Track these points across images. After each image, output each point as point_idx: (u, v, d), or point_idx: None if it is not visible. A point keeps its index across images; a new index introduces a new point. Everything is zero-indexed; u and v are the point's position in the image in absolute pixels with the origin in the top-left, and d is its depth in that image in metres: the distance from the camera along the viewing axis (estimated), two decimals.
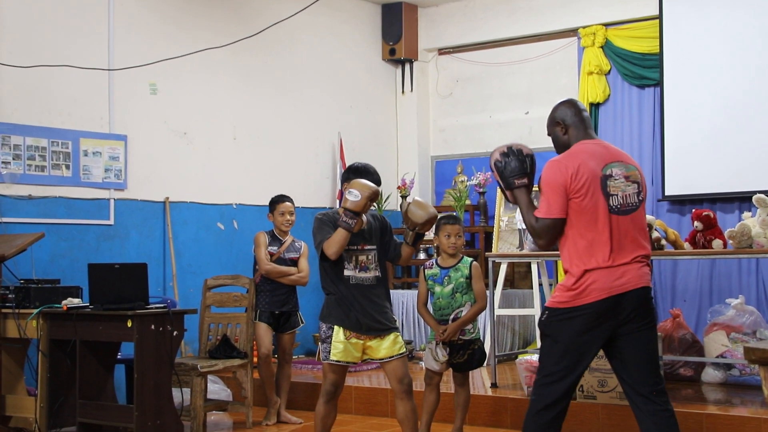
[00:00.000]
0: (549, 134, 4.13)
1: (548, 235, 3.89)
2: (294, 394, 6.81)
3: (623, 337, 3.86)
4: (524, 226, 4.49)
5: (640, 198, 3.94)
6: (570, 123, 4.03)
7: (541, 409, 3.86)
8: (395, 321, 4.90)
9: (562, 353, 3.84)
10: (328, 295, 4.82)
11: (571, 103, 4.10)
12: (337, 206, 8.77)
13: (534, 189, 4.04)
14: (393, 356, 4.76)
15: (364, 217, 4.84)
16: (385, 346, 4.75)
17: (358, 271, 4.77)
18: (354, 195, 4.64)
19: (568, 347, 3.83)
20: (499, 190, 4.09)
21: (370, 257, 4.80)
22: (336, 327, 4.74)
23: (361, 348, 4.77)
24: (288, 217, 6.50)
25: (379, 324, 4.76)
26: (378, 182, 4.86)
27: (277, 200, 6.55)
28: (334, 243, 4.65)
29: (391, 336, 4.78)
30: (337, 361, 4.73)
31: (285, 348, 6.49)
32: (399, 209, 9.26)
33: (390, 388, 6.49)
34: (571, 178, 3.83)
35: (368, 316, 4.73)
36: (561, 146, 4.05)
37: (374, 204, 4.89)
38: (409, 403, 4.77)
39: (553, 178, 3.87)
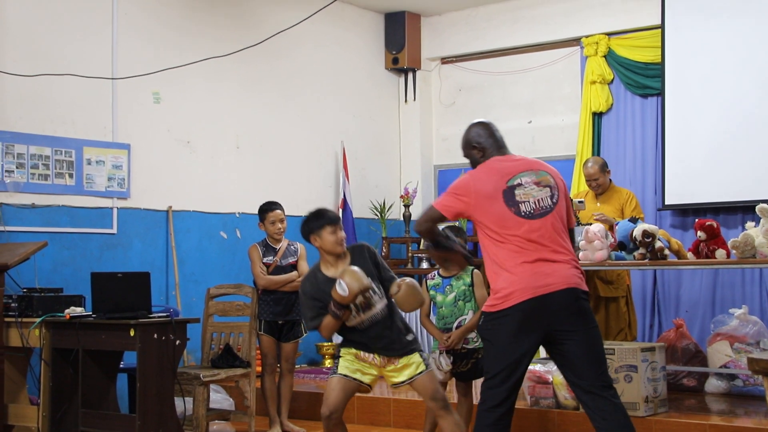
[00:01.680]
0: (465, 156, 4.30)
1: (427, 222, 4.19)
2: (296, 403, 6.80)
3: (561, 340, 3.99)
4: None
5: (554, 201, 4.10)
6: (486, 145, 4.23)
7: (486, 411, 4.01)
8: (414, 338, 4.77)
9: (500, 356, 4.00)
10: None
11: (483, 125, 4.29)
12: (340, 215, 8.79)
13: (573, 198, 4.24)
14: (414, 376, 4.64)
15: (347, 261, 4.67)
16: (406, 368, 4.65)
17: (363, 314, 4.61)
18: (342, 289, 4.42)
19: (505, 350, 3.99)
20: None
21: (368, 294, 4.59)
22: (343, 350, 4.68)
23: (375, 374, 4.68)
24: (279, 225, 6.40)
25: (396, 345, 4.65)
26: (336, 219, 4.74)
27: (266, 209, 6.44)
28: (327, 329, 4.57)
29: (406, 359, 4.65)
30: (343, 375, 4.60)
31: (288, 357, 6.44)
32: (402, 218, 9.26)
33: (393, 398, 6.50)
34: (470, 190, 4.07)
35: (387, 342, 4.65)
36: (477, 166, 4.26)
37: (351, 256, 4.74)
38: (451, 417, 4.60)
39: (457, 187, 4.13)
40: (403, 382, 4.69)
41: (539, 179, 4.10)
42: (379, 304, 4.64)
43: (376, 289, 4.64)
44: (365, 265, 4.63)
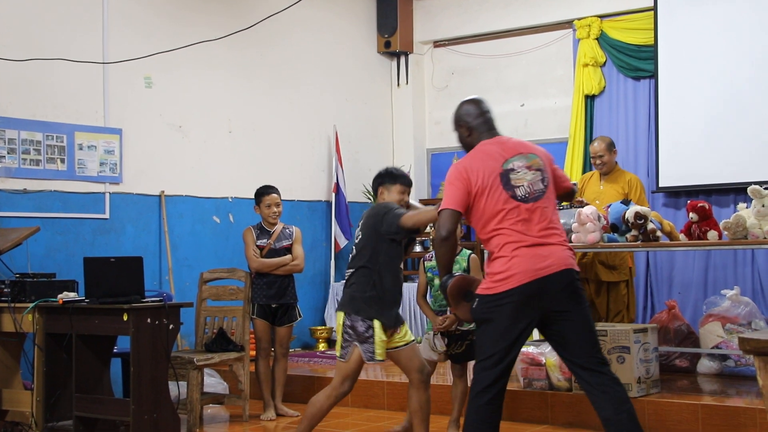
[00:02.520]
0: (454, 131, 4.30)
1: (448, 224, 4.04)
2: (290, 387, 6.82)
3: (557, 320, 4.02)
4: None
5: (545, 184, 4.12)
6: (474, 125, 4.22)
7: (479, 392, 4.02)
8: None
9: (495, 338, 4.00)
10: (366, 293, 4.67)
11: (474, 103, 4.28)
12: (333, 200, 8.79)
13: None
14: (407, 342, 4.74)
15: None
16: (399, 335, 4.75)
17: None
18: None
19: (500, 332, 3.99)
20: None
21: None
22: (376, 323, 4.64)
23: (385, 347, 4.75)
24: (275, 208, 6.44)
25: (399, 315, 4.81)
26: (410, 183, 4.96)
27: (263, 192, 6.48)
28: (420, 221, 4.63)
29: (404, 327, 4.80)
30: (381, 360, 4.66)
31: (282, 342, 6.46)
32: None
33: (387, 381, 6.52)
34: (470, 179, 4.04)
35: (396, 308, 4.77)
36: (466, 146, 4.26)
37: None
38: (425, 393, 4.74)
39: (455, 177, 4.09)
40: (397, 347, 4.74)
41: (530, 163, 4.11)
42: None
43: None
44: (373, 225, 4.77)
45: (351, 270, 4.75)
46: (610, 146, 6.93)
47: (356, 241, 4.79)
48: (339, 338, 4.73)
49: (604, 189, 6.88)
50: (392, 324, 4.71)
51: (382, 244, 4.67)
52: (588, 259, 6.78)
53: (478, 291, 4.12)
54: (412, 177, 9.12)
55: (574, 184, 6.66)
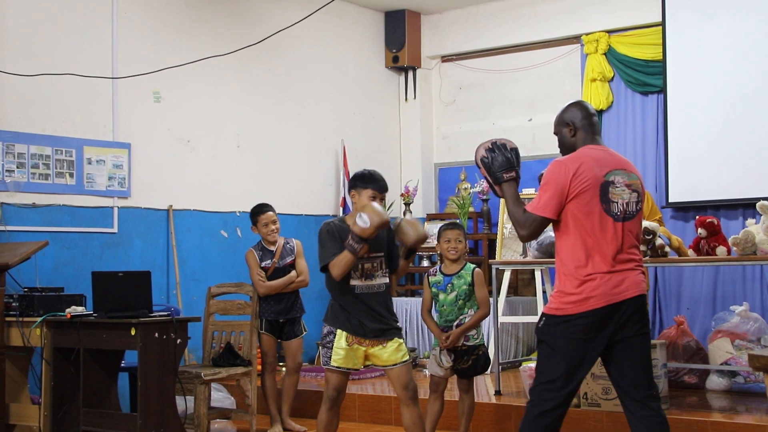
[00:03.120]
0: (555, 133, 4.11)
1: (531, 228, 3.91)
2: (298, 402, 6.80)
3: (619, 343, 3.87)
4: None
5: (639, 207, 3.96)
6: (579, 125, 4.02)
7: (538, 415, 3.86)
8: (398, 322, 4.86)
9: (562, 361, 3.83)
10: (333, 300, 4.79)
11: (582, 106, 4.10)
12: (341, 214, 8.79)
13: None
14: (397, 363, 4.72)
15: None
16: (388, 353, 4.72)
17: (364, 279, 4.71)
18: (363, 221, 4.51)
19: (568, 355, 3.82)
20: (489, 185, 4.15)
21: (376, 264, 4.74)
22: (339, 331, 4.71)
23: (363, 354, 4.74)
24: (272, 226, 6.35)
25: (382, 326, 4.72)
26: (384, 188, 4.84)
27: (258, 211, 6.38)
28: (340, 265, 4.60)
29: (395, 343, 4.74)
30: (337, 367, 4.71)
31: (293, 355, 6.43)
32: (402, 217, 9.25)
33: (394, 396, 6.51)
34: (571, 180, 3.83)
35: (372, 320, 4.70)
36: (567, 148, 4.05)
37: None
38: (415, 409, 4.74)
39: (554, 178, 3.87)
40: (386, 366, 4.73)
41: (630, 182, 3.93)
42: (380, 279, 4.75)
43: (382, 264, 4.77)
44: (381, 234, 4.74)
45: None
46: None
47: None
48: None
49: None
50: (361, 333, 4.69)
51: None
52: None
53: (546, 310, 3.95)
54: (419, 192, 9.26)
55: None
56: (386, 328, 4.73)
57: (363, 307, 4.70)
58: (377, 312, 4.71)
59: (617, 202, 3.86)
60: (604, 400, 5.64)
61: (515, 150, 4.06)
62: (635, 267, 3.91)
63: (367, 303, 4.70)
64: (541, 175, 4.17)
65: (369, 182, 4.81)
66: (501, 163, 4.01)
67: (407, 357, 4.78)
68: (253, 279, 6.31)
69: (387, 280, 4.80)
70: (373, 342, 4.71)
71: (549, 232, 5.97)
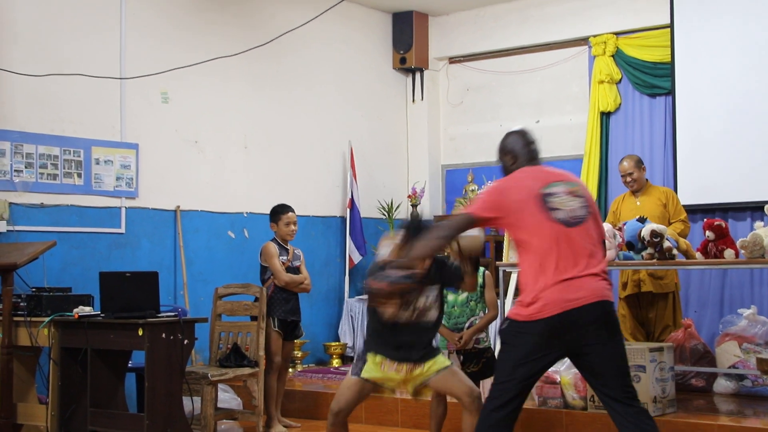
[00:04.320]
0: (498, 161, 4.26)
1: (456, 226, 4.03)
2: (305, 403, 6.83)
3: (589, 352, 3.90)
4: None
5: (589, 211, 3.99)
6: (519, 154, 4.16)
7: (492, 410, 3.95)
8: (437, 345, 4.79)
9: (517, 363, 3.91)
10: (369, 330, 4.75)
11: (521, 134, 4.23)
12: (348, 215, 8.80)
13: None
14: (440, 370, 4.62)
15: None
16: (432, 367, 4.63)
17: (411, 314, 4.62)
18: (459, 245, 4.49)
19: (523, 359, 3.90)
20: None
21: (430, 302, 4.66)
22: (370, 355, 4.66)
23: (401, 382, 4.66)
24: (292, 227, 6.48)
25: (422, 351, 4.65)
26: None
27: (281, 210, 6.50)
28: (394, 289, 4.35)
29: (434, 358, 4.66)
30: (366, 379, 4.61)
31: (287, 356, 6.59)
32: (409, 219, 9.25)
33: (401, 398, 6.50)
34: (504, 198, 3.96)
35: (415, 350, 4.63)
36: (508, 174, 4.19)
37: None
38: (478, 416, 4.47)
39: (488, 194, 4.06)
40: (429, 379, 4.63)
41: (572, 189, 4.00)
42: (432, 316, 4.66)
43: (435, 301, 4.66)
44: (444, 270, 4.68)
45: None
46: (639, 163, 6.98)
47: None
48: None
49: (642, 204, 6.89)
50: (397, 357, 4.62)
51: None
52: (638, 276, 6.81)
53: (508, 314, 4.03)
54: (426, 193, 9.26)
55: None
56: (422, 353, 4.64)
57: (403, 340, 4.62)
58: (417, 345, 4.64)
59: (562, 209, 3.92)
60: None
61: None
62: (596, 273, 3.91)
63: (410, 336, 4.63)
64: None
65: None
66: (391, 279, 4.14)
67: (447, 362, 4.70)
68: (275, 267, 6.35)
69: (438, 312, 4.69)
70: (409, 368, 4.62)
71: None
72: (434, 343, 4.78)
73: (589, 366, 3.94)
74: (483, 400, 5.41)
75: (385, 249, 4.55)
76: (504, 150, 4.21)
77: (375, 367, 4.63)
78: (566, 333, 3.85)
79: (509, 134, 4.23)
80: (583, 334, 3.86)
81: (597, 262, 3.93)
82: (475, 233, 4.51)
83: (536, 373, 3.95)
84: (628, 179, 6.98)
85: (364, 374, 4.63)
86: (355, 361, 4.77)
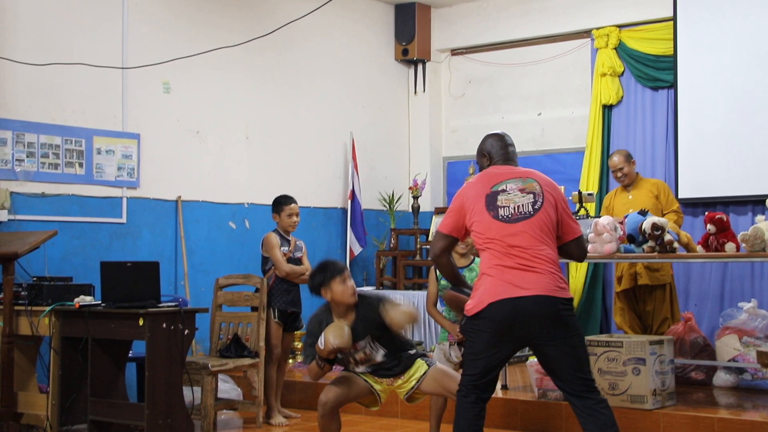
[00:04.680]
0: (477, 163, 4.43)
1: (436, 245, 4.26)
2: (305, 394, 6.84)
3: (542, 346, 4.01)
4: None
5: (537, 207, 4.07)
6: (494, 155, 4.32)
7: (463, 395, 4.13)
8: (416, 352, 4.82)
9: (475, 358, 4.08)
10: None
11: (498, 137, 4.36)
12: (349, 207, 8.79)
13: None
14: (423, 375, 4.70)
15: (351, 315, 4.68)
16: (414, 375, 4.72)
17: (363, 365, 4.71)
18: (321, 341, 4.50)
19: (480, 352, 4.06)
20: None
21: (368, 350, 4.68)
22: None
23: (387, 391, 4.77)
24: (295, 218, 6.50)
25: (400, 366, 4.74)
26: (341, 270, 4.68)
27: (284, 201, 6.52)
28: (311, 373, 4.63)
29: (414, 365, 4.74)
30: (357, 373, 4.71)
31: (287, 348, 6.61)
32: (410, 210, 9.26)
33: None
34: (464, 203, 4.17)
35: (392, 370, 4.74)
36: None
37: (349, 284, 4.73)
38: None
39: (454, 202, 4.25)
40: (413, 387, 4.73)
41: (524, 186, 4.12)
42: (380, 355, 4.69)
43: (374, 344, 4.67)
44: (370, 316, 4.61)
45: None
46: (628, 158, 7.03)
47: None
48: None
49: (634, 197, 6.92)
50: (377, 375, 4.72)
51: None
52: (635, 269, 6.83)
53: (464, 310, 4.18)
54: (427, 185, 9.27)
55: (590, 194, 6.75)
56: (401, 368, 4.73)
57: (375, 370, 4.73)
58: (391, 368, 4.73)
59: (507, 207, 4.07)
60: (611, 396, 5.63)
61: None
62: (543, 269, 3.98)
63: (378, 369, 4.73)
64: None
65: (326, 272, 4.68)
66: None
67: (426, 366, 4.75)
68: (277, 257, 6.36)
69: (386, 350, 4.69)
70: (390, 380, 4.74)
71: None
72: (412, 351, 4.81)
73: (546, 359, 4.05)
74: None
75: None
76: (481, 152, 4.37)
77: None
78: (511, 324, 3.97)
79: (488, 137, 4.38)
80: (529, 327, 3.97)
81: (544, 259, 4.01)
82: (407, 316, 4.56)
83: (496, 365, 4.11)
84: (619, 174, 7.03)
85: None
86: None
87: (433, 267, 5.58)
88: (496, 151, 4.30)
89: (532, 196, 4.09)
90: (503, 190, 4.10)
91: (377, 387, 4.76)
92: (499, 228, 4.03)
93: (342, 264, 4.79)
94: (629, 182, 7.04)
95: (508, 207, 4.05)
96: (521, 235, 4.01)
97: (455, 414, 4.14)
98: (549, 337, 3.96)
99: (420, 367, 4.75)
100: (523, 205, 4.06)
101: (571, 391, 4.01)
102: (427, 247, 8.99)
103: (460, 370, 5.39)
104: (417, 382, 4.72)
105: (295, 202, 6.54)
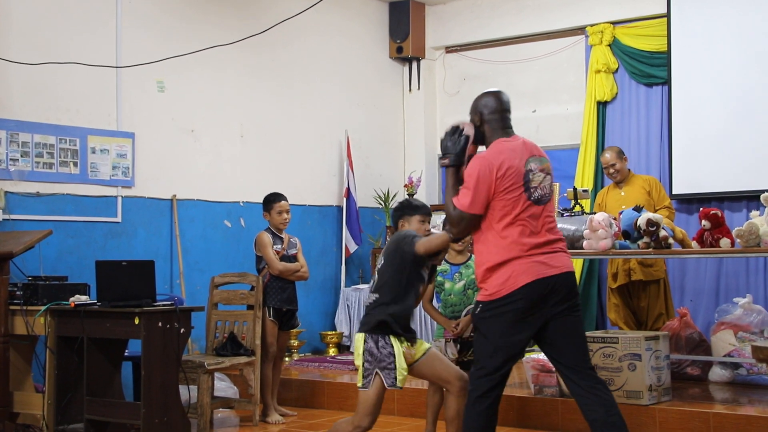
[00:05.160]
0: (469, 117, 4.23)
1: (461, 226, 4.05)
2: (301, 392, 6.84)
3: (552, 323, 3.99)
4: None
5: (551, 188, 4.12)
6: (487, 119, 4.14)
7: (476, 398, 4.01)
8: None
9: (495, 347, 3.98)
10: (385, 306, 4.47)
11: (495, 97, 4.19)
12: (344, 205, 8.79)
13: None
14: (428, 350, 4.61)
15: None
16: (420, 347, 4.61)
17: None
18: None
19: (500, 341, 3.96)
20: None
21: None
22: (394, 341, 4.44)
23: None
24: (285, 215, 6.47)
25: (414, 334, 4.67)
26: (429, 212, 4.77)
27: (273, 199, 6.50)
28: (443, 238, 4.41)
29: (418, 342, 4.67)
30: (401, 387, 4.47)
31: (283, 346, 6.62)
32: None
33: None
34: (496, 176, 3.95)
35: (411, 325, 4.64)
36: (476, 137, 4.17)
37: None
38: (465, 400, 4.36)
39: (480, 174, 3.97)
40: (418, 360, 4.59)
41: (543, 166, 4.09)
42: (413, 295, 4.61)
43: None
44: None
45: (374, 295, 4.57)
46: (620, 154, 7.06)
47: (378, 267, 4.65)
48: (360, 367, 4.50)
49: (626, 194, 6.95)
50: (408, 339, 4.57)
51: (402, 270, 4.51)
52: (629, 265, 6.85)
53: (479, 297, 4.07)
54: (422, 182, 9.26)
55: (585, 191, 6.76)
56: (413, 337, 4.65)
57: (411, 313, 4.63)
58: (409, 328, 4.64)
59: (537, 187, 4.01)
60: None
61: (465, 138, 4.12)
62: (561, 246, 4.07)
63: (413, 306, 4.64)
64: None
65: (416, 209, 4.74)
66: (446, 147, 4.16)
67: (428, 344, 4.70)
68: (269, 256, 6.35)
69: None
70: (410, 349, 4.59)
71: (563, 225, 5.98)
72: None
73: (552, 337, 4.02)
74: None
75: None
76: (475, 109, 4.19)
77: (404, 370, 4.47)
78: (541, 302, 3.93)
79: (484, 94, 4.22)
80: (555, 303, 3.96)
81: (559, 235, 4.10)
82: (441, 238, 4.47)
83: (520, 350, 4.01)
84: (611, 170, 7.07)
85: (401, 383, 4.44)
86: (379, 364, 4.43)
87: None
88: (489, 111, 4.12)
89: (549, 177, 4.10)
90: (531, 170, 4.02)
91: (399, 377, 4.49)
92: (531, 209, 3.98)
93: (430, 210, 4.84)
94: (621, 179, 7.08)
95: (537, 188, 4.01)
96: (545, 215, 4.03)
97: (465, 424, 4.01)
98: (563, 309, 3.97)
99: (422, 343, 4.65)
100: (545, 186, 4.05)
101: (576, 368, 3.98)
102: None
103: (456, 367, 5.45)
104: (419, 358, 4.58)
105: (284, 199, 6.51)
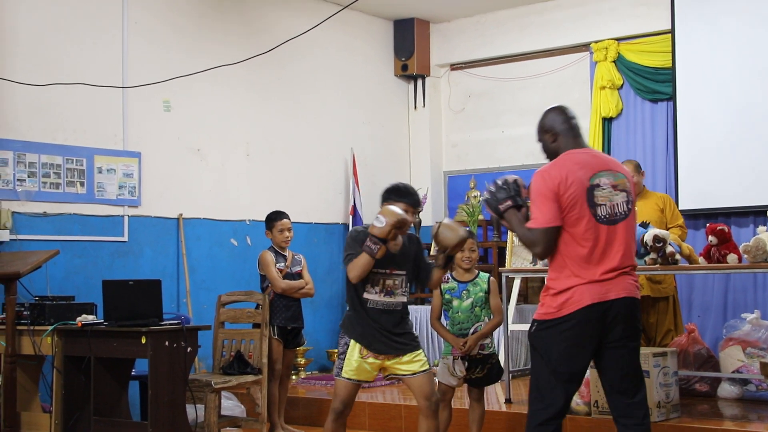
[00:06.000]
0: (539, 141, 4.12)
1: (544, 243, 3.85)
2: (308, 410, 6.82)
3: (609, 348, 3.86)
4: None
5: (629, 207, 3.92)
6: (559, 131, 4.02)
7: (539, 425, 3.86)
8: (416, 339, 4.78)
9: (553, 369, 3.84)
10: (350, 310, 4.75)
11: (560, 110, 4.09)
12: (350, 222, 8.80)
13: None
14: (417, 372, 4.64)
15: (400, 239, 4.68)
16: (405, 362, 4.64)
17: (383, 296, 4.64)
18: (380, 221, 4.47)
19: (559, 362, 3.83)
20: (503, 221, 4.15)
21: (397, 282, 4.67)
22: (353, 342, 4.67)
23: (378, 367, 4.68)
24: (287, 233, 6.47)
25: (397, 344, 4.65)
26: (417, 203, 4.76)
27: (275, 217, 6.49)
28: (357, 267, 4.52)
29: (411, 354, 4.66)
30: (348, 378, 4.66)
31: (289, 364, 6.62)
32: (412, 225, 9.24)
33: (404, 404, 6.50)
34: (559, 187, 3.81)
35: (382, 338, 4.63)
36: (550, 153, 4.06)
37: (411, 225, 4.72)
38: (434, 421, 4.64)
39: (543, 188, 3.85)
40: (405, 376, 4.66)
41: (617, 182, 3.89)
42: (399, 298, 4.68)
43: (404, 283, 4.70)
44: (408, 246, 4.75)
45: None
46: (638, 168, 6.99)
47: None
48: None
49: (640, 209, 6.88)
50: (374, 349, 4.63)
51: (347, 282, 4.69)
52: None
53: (536, 316, 3.95)
54: (428, 200, 9.25)
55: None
56: (399, 347, 4.65)
57: (374, 325, 4.63)
58: (387, 331, 4.63)
59: (604, 205, 3.84)
60: None
61: (515, 182, 4.06)
62: (628, 271, 3.88)
63: (378, 320, 4.63)
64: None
65: (403, 196, 4.71)
66: (499, 198, 4.02)
67: (427, 366, 4.69)
68: (272, 275, 6.34)
69: (405, 299, 4.72)
70: (387, 356, 4.66)
71: None
72: (416, 334, 4.82)
73: (608, 363, 3.88)
74: (483, 404, 5.47)
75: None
76: (543, 128, 4.07)
77: (356, 360, 4.64)
78: (597, 326, 3.79)
79: (548, 111, 4.10)
80: (611, 329, 3.82)
81: (630, 259, 3.90)
82: (458, 233, 4.53)
83: (575, 377, 3.87)
84: None
85: (345, 374, 4.67)
86: (338, 354, 4.86)
87: None
88: (560, 125, 4.00)
89: (625, 194, 3.89)
90: (598, 185, 3.83)
91: (368, 376, 4.68)
92: (596, 229, 3.80)
93: (418, 199, 4.83)
94: (636, 192, 7.02)
95: (605, 206, 3.82)
96: (615, 237, 3.83)
97: None
98: (621, 336, 3.83)
99: (423, 363, 4.67)
100: (618, 204, 3.85)
101: (625, 400, 3.86)
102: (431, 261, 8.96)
103: (465, 385, 5.44)
104: (412, 374, 4.63)
105: (286, 217, 6.50)
